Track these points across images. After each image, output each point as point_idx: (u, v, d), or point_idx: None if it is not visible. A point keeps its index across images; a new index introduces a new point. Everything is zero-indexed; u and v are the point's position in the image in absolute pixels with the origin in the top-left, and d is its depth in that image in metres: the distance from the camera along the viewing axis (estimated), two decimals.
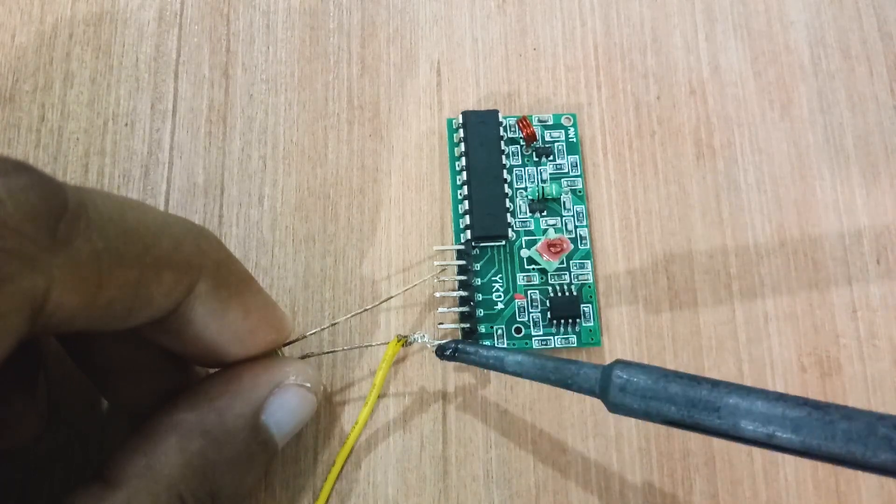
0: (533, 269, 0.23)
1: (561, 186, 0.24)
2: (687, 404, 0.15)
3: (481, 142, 0.23)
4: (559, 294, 0.23)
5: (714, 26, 0.26)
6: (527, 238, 0.23)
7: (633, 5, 0.26)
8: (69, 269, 0.13)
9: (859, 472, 0.22)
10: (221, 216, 0.23)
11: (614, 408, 0.16)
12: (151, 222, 0.15)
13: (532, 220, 0.23)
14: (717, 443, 0.22)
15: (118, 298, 0.14)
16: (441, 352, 0.21)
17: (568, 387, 0.17)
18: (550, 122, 0.24)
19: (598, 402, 0.22)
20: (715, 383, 0.15)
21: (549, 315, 0.22)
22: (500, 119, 0.23)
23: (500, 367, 0.19)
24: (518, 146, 0.24)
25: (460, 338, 0.22)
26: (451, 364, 0.22)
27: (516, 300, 0.23)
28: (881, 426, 0.13)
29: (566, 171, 0.24)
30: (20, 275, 0.12)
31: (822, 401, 0.14)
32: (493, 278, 0.23)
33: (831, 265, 0.24)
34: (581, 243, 0.23)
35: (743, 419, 0.15)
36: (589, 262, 0.23)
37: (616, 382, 0.16)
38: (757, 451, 0.22)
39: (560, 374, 0.18)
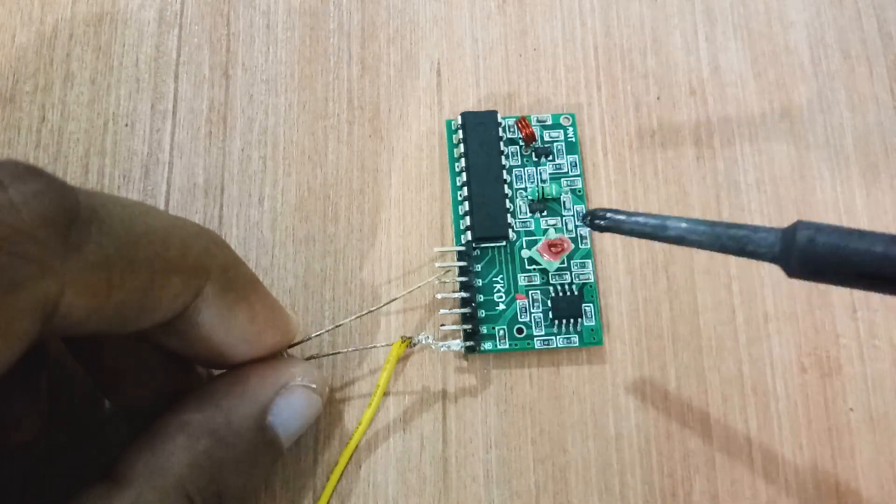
0: (534, 269, 0.23)
1: (561, 186, 0.24)
2: (883, 254, 0.14)
3: (480, 142, 0.23)
4: (561, 294, 0.23)
5: (714, 26, 0.26)
6: (527, 238, 0.23)
7: (633, 6, 0.26)
8: (80, 274, 0.13)
9: (859, 473, 0.22)
10: (221, 216, 0.23)
11: (802, 267, 0.15)
12: (161, 226, 0.15)
13: (532, 220, 0.23)
14: (717, 443, 0.22)
15: (127, 303, 0.14)
16: (591, 219, 0.19)
17: (741, 251, 0.16)
18: (549, 122, 0.24)
19: (598, 402, 0.22)
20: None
21: (550, 315, 0.22)
22: (499, 119, 0.23)
23: (659, 235, 0.17)
24: (517, 146, 0.24)
25: (461, 339, 0.22)
26: (452, 364, 0.22)
27: (518, 300, 0.23)
28: None
29: (566, 170, 0.24)
30: (33, 280, 0.12)
31: None
32: (495, 279, 0.23)
33: None
34: (581, 243, 0.23)
35: None
36: (590, 261, 0.23)
37: (804, 234, 0.15)
38: (757, 451, 0.22)
39: (733, 239, 0.16)
